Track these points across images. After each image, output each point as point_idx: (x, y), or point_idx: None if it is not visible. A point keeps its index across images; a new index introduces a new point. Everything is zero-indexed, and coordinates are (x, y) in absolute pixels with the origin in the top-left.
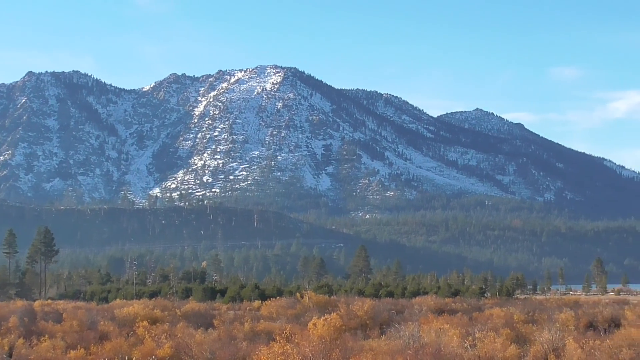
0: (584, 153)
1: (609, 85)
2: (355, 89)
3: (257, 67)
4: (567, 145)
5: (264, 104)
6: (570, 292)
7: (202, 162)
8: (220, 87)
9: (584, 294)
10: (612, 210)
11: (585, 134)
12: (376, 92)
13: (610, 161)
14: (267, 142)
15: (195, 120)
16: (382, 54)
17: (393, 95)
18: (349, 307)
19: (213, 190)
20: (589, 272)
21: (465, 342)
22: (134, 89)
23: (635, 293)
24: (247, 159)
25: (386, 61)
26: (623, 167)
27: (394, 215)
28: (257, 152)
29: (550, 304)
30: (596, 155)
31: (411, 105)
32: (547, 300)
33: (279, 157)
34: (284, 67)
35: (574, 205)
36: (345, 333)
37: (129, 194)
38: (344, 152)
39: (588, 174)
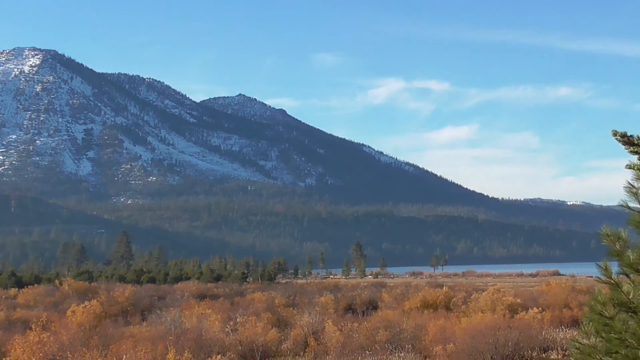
0: (344, 139)
1: (369, 72)
2: (117, 73)
3: (14, 49)
4: (328, 131)
5: (22, 87)
6: (331, 276)
7: None
8: None
9: (343, 277)
10: (371, 195)
11: (346, 120)
12: (139, 76)
13: (369, 147)
14: (25, 126)
15: None
16: (144, 38)
17: (156, 80)
18: (110, 293)
19: None
20: (348, 256)
21: (227, 327)
22: None
23: (392, 276)
24: (4, 143)
25: (148, 45)
26: (382, 152)
27: (157, 201)
28: (14, 136)
29: (311, 288)
30: (356, 141)
31: (174, 90)
32: (308, 284)
33: (37, 142)
34: (43, 50)
35: (335, 191)
36: (105, 320)
37: None
38: (106, 137)
39: (348, 160)
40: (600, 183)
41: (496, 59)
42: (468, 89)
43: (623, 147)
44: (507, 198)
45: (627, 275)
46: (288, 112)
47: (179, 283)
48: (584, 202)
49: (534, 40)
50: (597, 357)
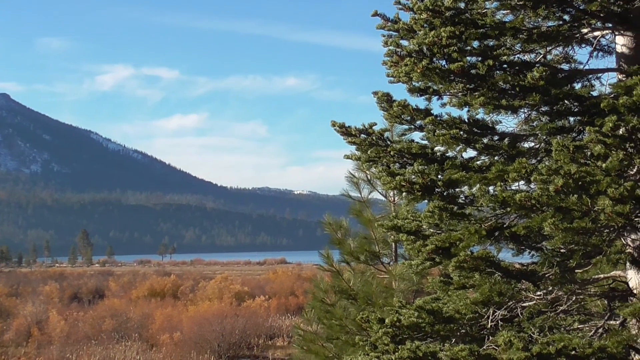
0: (71, 125)
1: (96, 58)
2: None
3: None
4: (55, 117)
5: None
6: (56, 265)
7: None
8: None
9: (70, 266)
10: (99, 182)
11: (73, 106)
12: None
13: (97, 134)
14: None
15: None
16: None
17: None
18: None
19: None
20: (75, 244)
21: None
22: None
23: (119, 264)
24: None
25: None
26: (109, 140)
27: None
28: None
29: (35, 277)
30: (83, 128)
31: None
32: (32, 273)
33: None
34: None
35: (61, 178)
36: None
37: None
38: None
39: (75, 147)
40: (325, 173)
41: (225, 48)
42: (197, 77)
43: (342, 137)
44: (235, 187)
45: (348, 263)
46: (12, 97)
47: None
48: (310, 191)
49: (261, 30)
50: (319, 343)
